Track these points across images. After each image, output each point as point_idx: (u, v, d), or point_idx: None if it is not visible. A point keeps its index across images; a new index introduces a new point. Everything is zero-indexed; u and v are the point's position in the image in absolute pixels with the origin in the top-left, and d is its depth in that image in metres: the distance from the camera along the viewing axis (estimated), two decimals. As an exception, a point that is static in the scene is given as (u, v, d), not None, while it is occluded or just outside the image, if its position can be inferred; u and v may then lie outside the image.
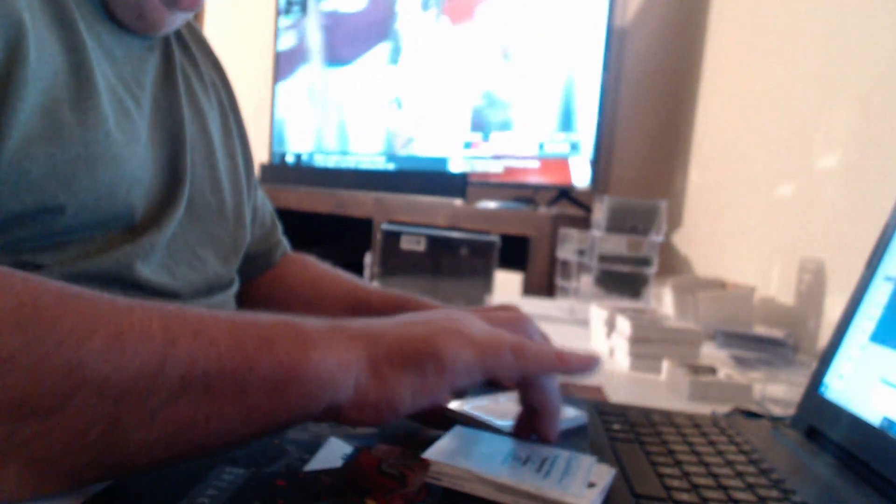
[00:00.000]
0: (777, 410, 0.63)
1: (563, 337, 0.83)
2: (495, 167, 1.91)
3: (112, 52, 0.48)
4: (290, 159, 2.45)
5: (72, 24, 0.43)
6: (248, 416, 0.30)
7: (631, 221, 1.14)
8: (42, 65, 0.40)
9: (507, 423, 0.43)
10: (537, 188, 1.88)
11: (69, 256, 0.44)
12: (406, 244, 1.38)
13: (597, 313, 0.94)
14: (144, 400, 0.27)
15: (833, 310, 0.96)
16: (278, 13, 2.47)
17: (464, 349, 0.34)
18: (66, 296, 0.28)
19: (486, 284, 1.25)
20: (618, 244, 1.15)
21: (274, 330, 0.31)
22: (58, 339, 0.26)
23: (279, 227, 0.76)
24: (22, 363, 0.25)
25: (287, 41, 2.44)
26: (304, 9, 2.39)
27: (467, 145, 1.97)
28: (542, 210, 1.71)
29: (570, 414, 0.47)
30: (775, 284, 1.16)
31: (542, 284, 1.57)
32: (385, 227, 1.35)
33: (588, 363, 0.39)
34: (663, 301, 1.14)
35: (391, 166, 2.15)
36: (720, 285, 1.14)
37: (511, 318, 0.40)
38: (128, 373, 0.27)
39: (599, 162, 1.75)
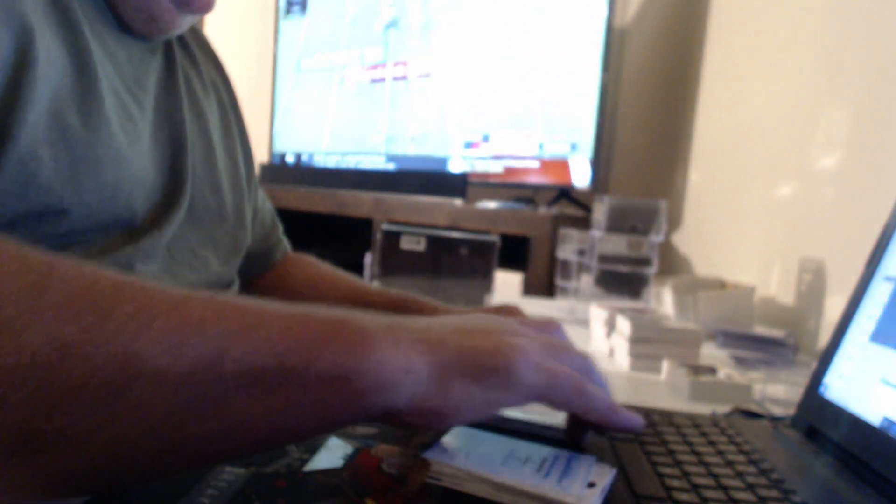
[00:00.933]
0: (777, 410, 0.63)
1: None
2: (495, 167, 1.91)
3: (115, 54, 0.48)
4: (290, 159, 2.45)
5: (76, 26, 0.43)
6: (305, 413, 0.29)
7: (631, 221, 1.14)
8: (48, 67, 0.40)
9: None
10: (537, 188, 1.88)
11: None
12: (406, 244, 1.38)
13: (597, 313, 0.94)
14: (202, 393, 0.27)
15: (833, 310, 0.97)
16: (278, 13, 2.47)
17: (531, 372, 0.34)
18: (121, 284, 0.27)
19: (486, 284, 1.25)
20: (618, 244, 1.15)
21: (332, 326, 0.31)
22: (114, 329, 0.25)
23: (279, 227, 0.76)
24: (78, 352, 0.24)
25: (287, 40, 2.44)
26: (304, 9, 2.39)
27: (467, 145, 1.97)
28: (542, 210, 1.71)
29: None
30: (775, 284, 1.16)
31: (542, 284, 1.57)
32: (385, 227, 1.36)
33: (635, 424, 0.39)
34: (663, 301, 1.14)
35: (391, 166, 2.15)
36: (720, 285, 1.14)
37: (574, 355, 0.39)
38: (184, 366, 0.26)
39: (599, 162, 1.75)
